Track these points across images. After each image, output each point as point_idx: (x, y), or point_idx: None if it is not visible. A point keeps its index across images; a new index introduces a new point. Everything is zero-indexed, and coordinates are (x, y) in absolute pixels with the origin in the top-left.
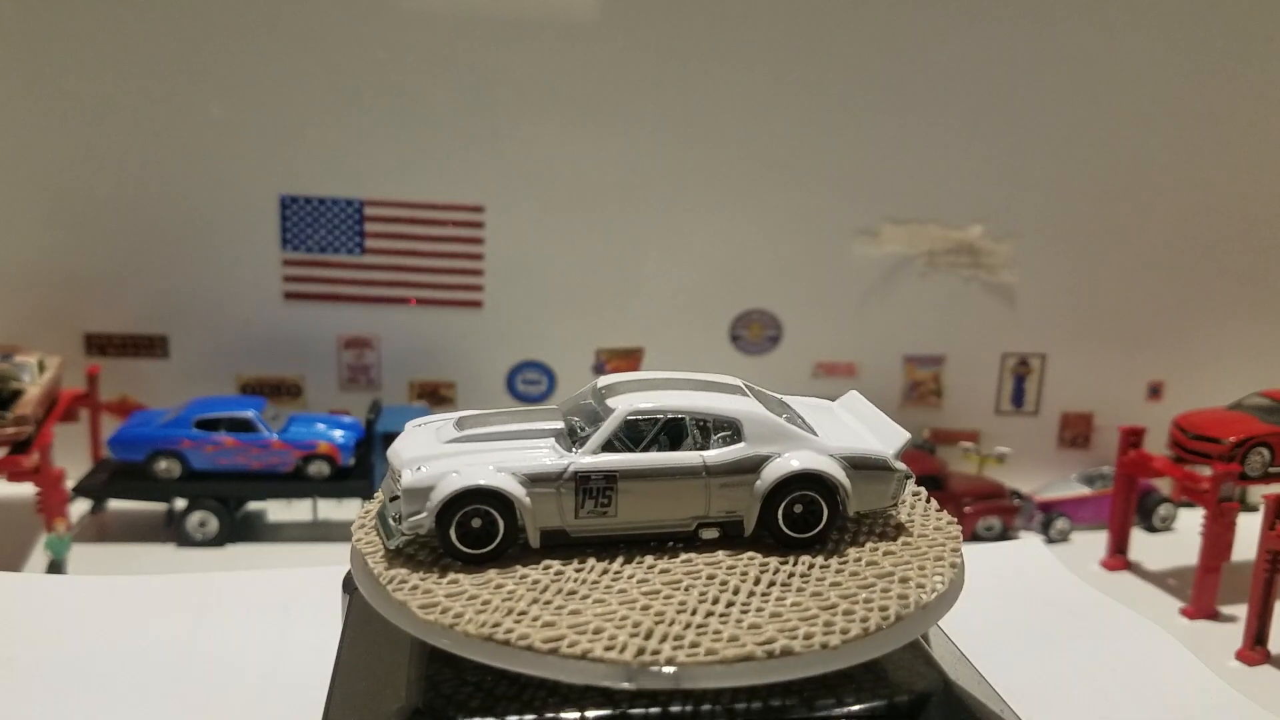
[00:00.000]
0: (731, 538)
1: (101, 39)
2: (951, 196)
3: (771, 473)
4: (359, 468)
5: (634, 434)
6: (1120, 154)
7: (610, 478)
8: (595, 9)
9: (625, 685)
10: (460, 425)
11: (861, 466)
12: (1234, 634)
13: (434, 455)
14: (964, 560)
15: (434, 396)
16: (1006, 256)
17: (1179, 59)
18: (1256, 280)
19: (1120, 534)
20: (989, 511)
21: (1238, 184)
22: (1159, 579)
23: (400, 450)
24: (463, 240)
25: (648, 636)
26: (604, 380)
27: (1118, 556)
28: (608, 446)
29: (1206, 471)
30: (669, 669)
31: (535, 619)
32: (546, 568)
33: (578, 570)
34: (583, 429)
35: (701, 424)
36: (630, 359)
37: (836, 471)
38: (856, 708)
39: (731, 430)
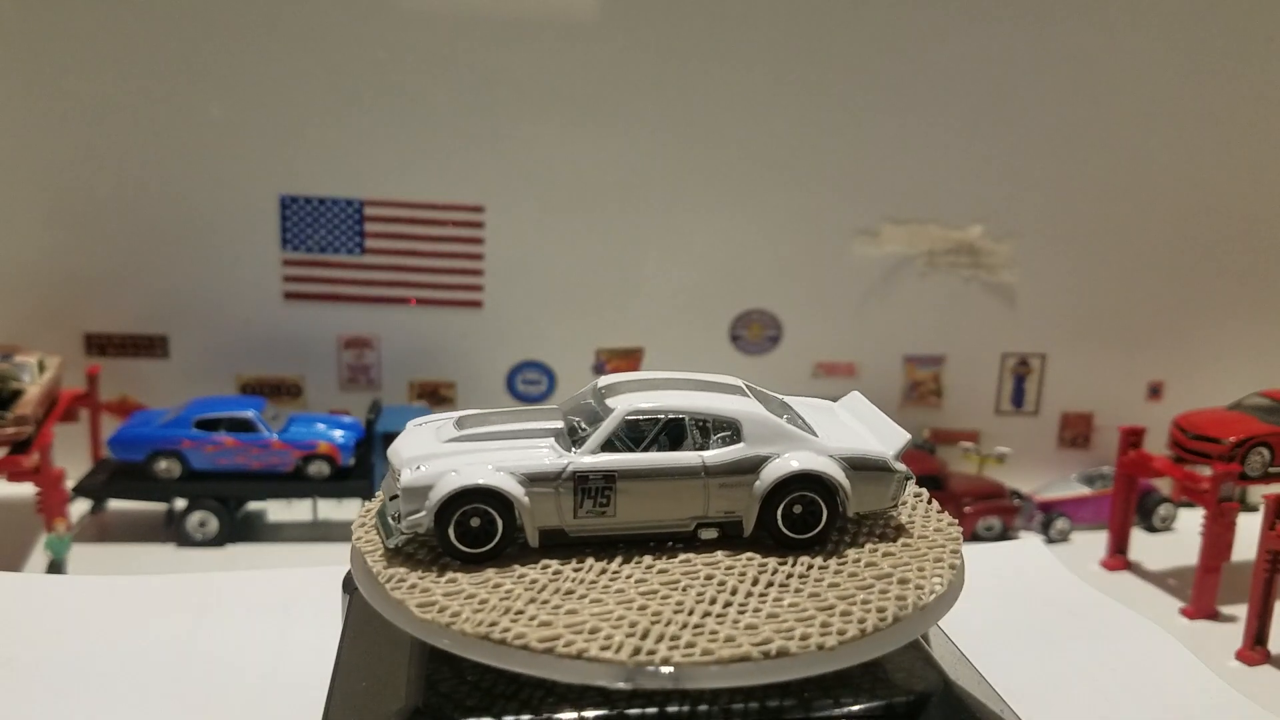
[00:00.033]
0: (731, 538)
1: (101, 39)
2: (951, 196)
3: (770, 473)
4: (359, 468)
5: (635, 434)
6: (1120, 154)
7: (609, 478)
8: (595, 9)
9: (621, 685)
10: (460, 425)
11: (861, 467)
12: (1234, 634)
13: (433, 454)
14: (964, 561)
15: (434, 396)
16: (1006, 256)
17: (1179, 59)
18: (1256, 280)
19: (1120, 534)
20: (989, 511)
21: (1238, 184)
22: (1159, 579)
23: (400, 449)
24: (463, 240)
25: (644, 636)
26: (604, 380)
27: (1118, 556)
28: (607, 446)
29: (1206, 471)
30: (665, 669)
31: (532, 618)
32: (545, 567)
33: (576, 570)
34: (582, 429)
35: (701, 424)
36: (630, 359)
37: (836, 472)
38: (856, 708)
39: (731, 430)
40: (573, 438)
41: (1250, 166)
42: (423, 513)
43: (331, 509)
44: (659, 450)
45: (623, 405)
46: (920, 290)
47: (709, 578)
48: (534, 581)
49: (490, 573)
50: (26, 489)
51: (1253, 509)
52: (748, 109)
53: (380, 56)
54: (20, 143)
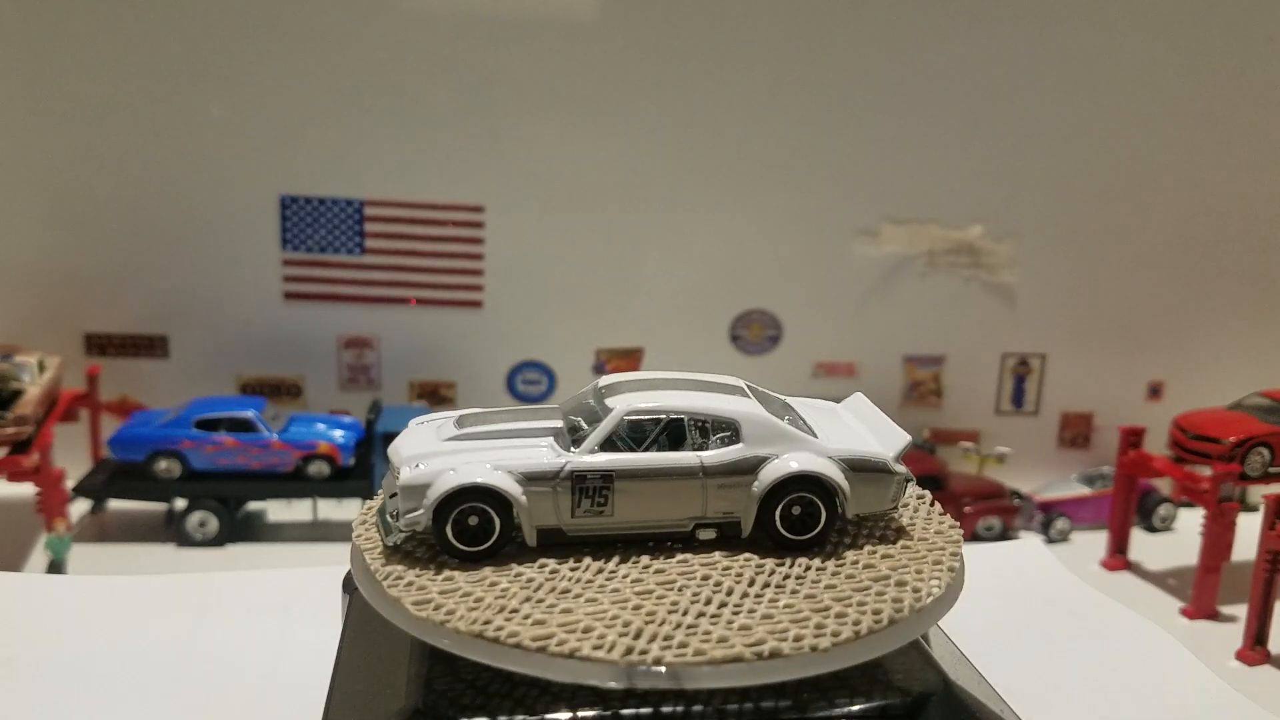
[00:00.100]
0: (729, 539)
1: (101, 39)
2: (951, 196)
3: (769, 474)
4: (359, 468)
5: (636, 434)
6: (1120, 154)
7: (607, 477)
8: (595, 9)
9: (612, 684)
10: (460, 423)
11: (860, 469)
12: (1234, 634)
13: (432, 453)
14: (964, 564)
15: (434, 396)
16: (1006, 256)
17: (1179, 59)
18: (1256, 280)
19: (1120, 534)
20: (989, 511)
21: (1238, 184)
22: (1159, 579)
23: (400, 447)
24: (463, 240)
25: (637, 636)
26: (605, 380)
27: (1118, 556)
28: (606, 446)
29: (1206, 471)
30: (657, 669)
31: (526, 617)
32: (542, 566)
33: (573, 569)
34: (582, 429)
35: (700, 424)
36: (630, 359)
37: (835, 473)
38: (856, 708)
39: (730, 431)
40: (572, 437)
41: (1250, 166)
42: (421, 511)
43: (331, 509)
44: (659, 450)
45: (621, 405)
46: (920, 290)
47: (705, 578)
48: (530, 580)
49: (487, 571)
50: (26, 489)
51: (1253, 509)
52: (748, 109)
53: (380, 56)
54: (20, 143)
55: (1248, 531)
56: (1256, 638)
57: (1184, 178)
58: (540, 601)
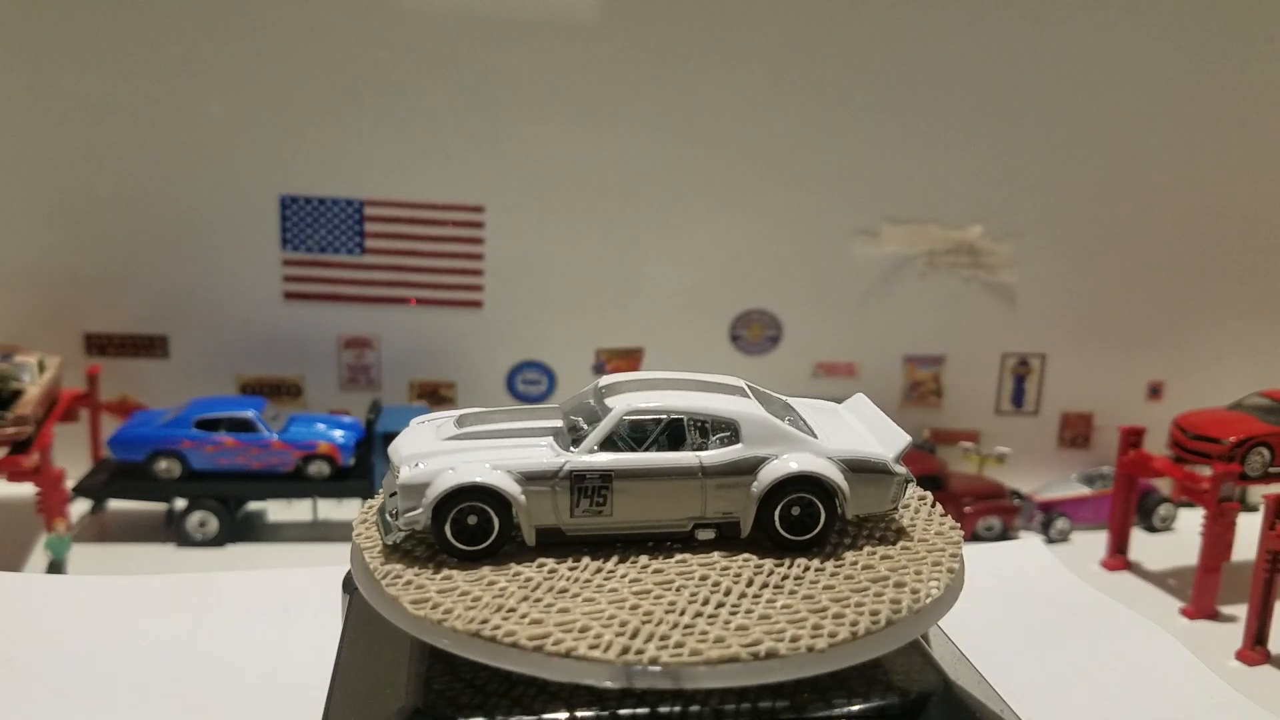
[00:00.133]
0: (728, 539)
1: (101, 39)
2: (951, 196)
3: (768, 474)
4: (359, 468)
5: (637, 434)
6: (1120, 154)
7: (606, 477)
8: (595, 9)
9: (608, 684)
10: (460, 423)
11: (860, 469)
12: (1234, 634)
13: (432, 452)
14: (964, 565)
15: (434, 396)
16: (1006, 256)
17: (1179, 59)
18: (1256, 280)
19: (1120, 534)
20: (989, 511)
21: (1238, 184)
22: (1159, 579)
23: (400, 446)
24: (463, 240)
25: (633, 636)
26: (605, 380)
27: (1118, 556)
28: (605, 446)
29: (1206, 471)
30: (653, 669)
31: (524, 616)
32: (540, 565)
33: (571, 569)
34: (582, 428)
35: (700, 425)
36: (630, 359)
37: (834, 474)
38: (857, 708)
39: (729, 431)
40: (571, 437)
41: (1250, 166)
42: (420, 510)
43: (331, 509)
44: (659, 451)
45: (621, 405)
46: (920, 290)
47: (703, 578)
48: (528, 580)
49: (486, 570)
50: (26, 489)
51: (1253, 509)
52: (748, 109)
53: (380, 56)
54: (20, 143)
55: (1248, 531)
56: (1256, 638)
57: (1184, 178)
58: (538, 601)
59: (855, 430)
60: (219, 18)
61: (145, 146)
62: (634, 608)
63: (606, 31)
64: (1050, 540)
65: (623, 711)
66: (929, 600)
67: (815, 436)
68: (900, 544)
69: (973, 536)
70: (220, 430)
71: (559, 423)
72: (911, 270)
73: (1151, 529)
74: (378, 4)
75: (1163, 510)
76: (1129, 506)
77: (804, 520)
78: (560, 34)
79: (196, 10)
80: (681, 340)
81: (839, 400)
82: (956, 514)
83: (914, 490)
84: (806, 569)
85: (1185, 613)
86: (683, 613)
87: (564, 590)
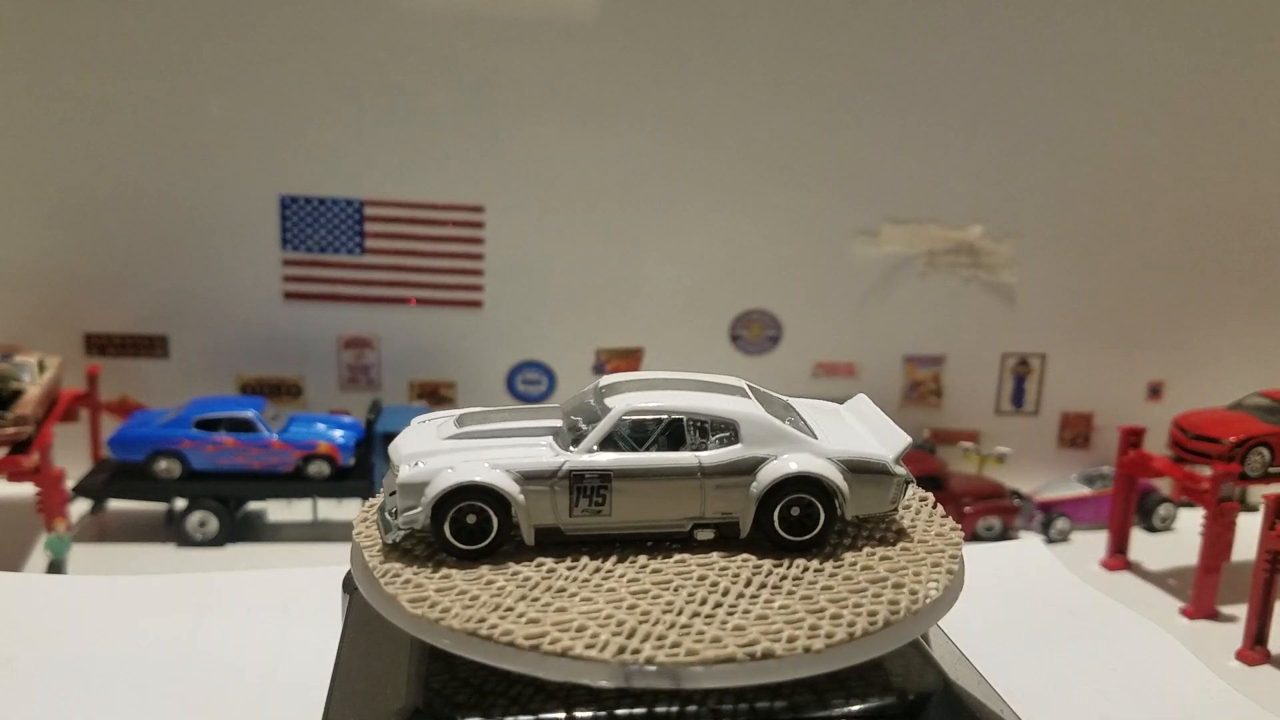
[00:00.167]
0: (728, 539)
1: (101, 39)
2: (951, 196)
3: (767, 475)
4: (359, 468)
5: (638, 434)
6: (1120, 154)
7: (605, 477)
8: (595, 9)
9: (604, 683)
10: (460, 422)
11: (859, 470)
12: (1234, 634)
13: (431, 451)
14: (963, 566)
15: (434, 396)
16: (1006, 256)
17: (1179, 59)
18: (1256, 280)
19: (1120, 534)
20: (989, 511)
21: (1238, 184)
22: (1159, 579)
23: (400, 445)
24: (463, 240)
25: (630, 635)
26: (606, 379)
27: (1118, 556)
28: (605, 445)
29: (1206, 471)
30: (649, 668)
31: (521, 615)
32: (539, 565)
33: (570, 568)
34: (582, 428)
35: (699, 425)
36: (630, 359)
37: (833, 475)
38: (857, 708)
39: (729, 431)
40: (571, 437)
41: (1250, 166)
42: (419, 509)
43: (331, 509)
44: (659, 450)
45: (620, 405)
46: (920, 290)
47: (701, 578)
48: (527, 579)
49: (485, 569)
50: (26, 489)
51: (1253, 509)
52: (748, 109)
53: (380, 56)
54: (20, 143)
55: (1248, 531)
56: (1256, 638)
57: (1184, 178)
58: (535, 600)
59: (856, 431)
60: (219, 18)
61: (145, 146)
62: (631, 607)
63: (606, 31)
64: (1050, 540)
65: (620, 711)
66: (927, 602)
67: (815, 437)
68: (900, 545)
69: (973, 536)
70: (220, 430)
71: (559, 422)
72: (911, 270)
73: (1151, 529)
74: (378, 4)
75: (1163, 510)
76: (1129, 506)
77: (803, 521)
78: (560, 34)
79: (196, 10)
80: (681, 340)
81: (840, 400)
82: (956, 514)
83: (914, 491)
84: (805, 570)
85: (1185, 613)
86: (680, 613)
87: (562, 590)
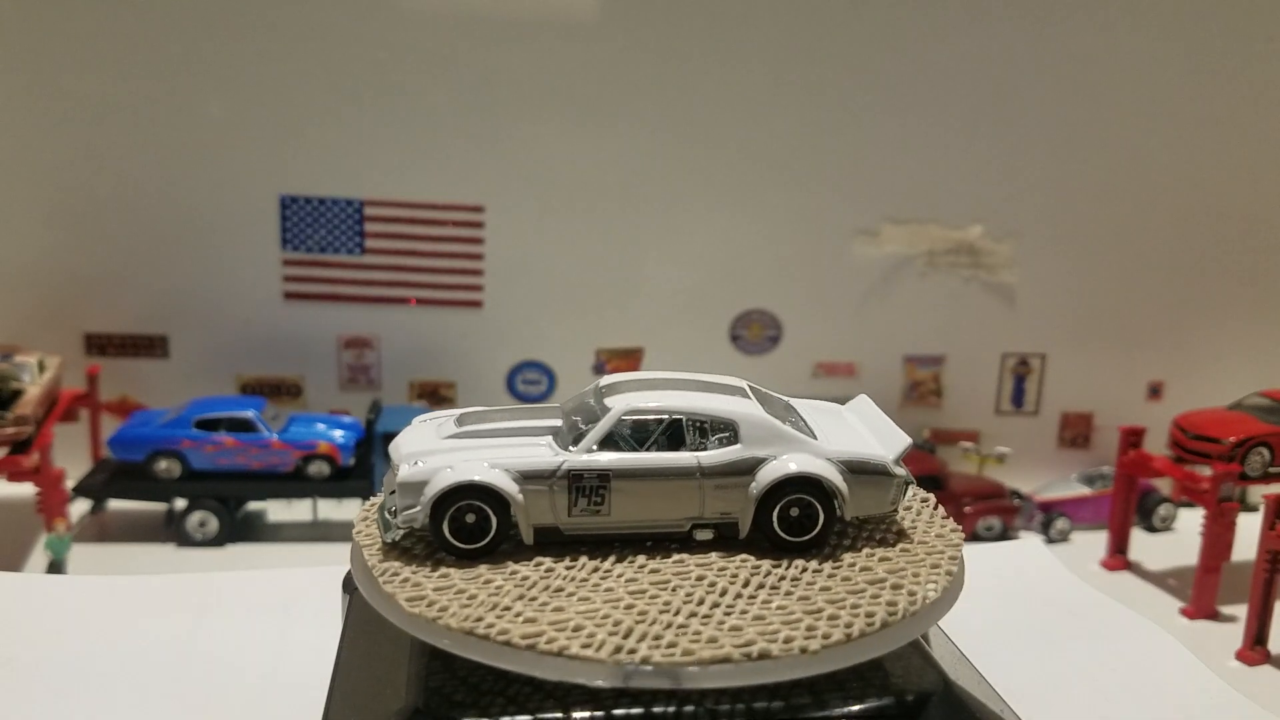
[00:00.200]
0: (727, 540)
1: (101, 39)
2: (951, 196)
3: (766, 475)
4: (359, 468)
5: (638, 434)
6: (1120, 154)
7: (604, 477)
8: (595, 9)
9: (599, 683)
10: (461, 422)
11: (859, 471)
12: (1234, 634)
13: (431, 450)
14: (963, 567)
15: (434, 396)
16: (1006, 256)
17: (1179, 59)
18: (1256, 280)
19: (1120, 534)
20: (989, 511)
21: (1238, 184)
22: (1159, 579)
23: (400, 445)
24: (463, 240)
25: (627, 635)
26: (606, 379)
27: (1118, 556)
28: (604, 445)
29: (1206, 471)
30: (645, 668)
31: (518, 615)
32: (538, 564)
33: (568, 568)
34: (581, 428)
35: (699, 425)
36: (630, 359)
37: (833, 475)
38: (857, 707)
39: (728, 431)
40: (571, 436)
41: (1250, 166)
42: (418, 508)
43: (331, 509)
44: (658, 450)
45: (619, 405)
46: (920, 290)
47: (700, 578)
48: (525, 578)
49: (483, 569)
50: (26, 489)
51: (1253, 509)
52: (748, 109)
53: (380, 56)
54: (20, 143)
55: (1248, 531)
56: (1256, 638)
57: (1184, 178)
58: (533, 599)
59: (856, 431)
60: (219, 18)
61: (145, 146)
62: (629, 607)
63: (606, 31)
64: (1050, 540)
65: (617, 711)
66: (925, 603)
67: (815, 437)
68: (899, 546)
69: (973, 536)
70: (220, 430)
71: (559, 422)
72: (911, 270)
73: (1151, 529)
74: (378, 4)
75: (1163, 510)
76: (1129, 506)
77: (802, 521)
78: (560, 34)
79: (196, 10)
80: (681, 340)
81: (840, 401)
82: (956, 514)
83: (914, 492)
84: (804, 570)
85: (1185, 613)
86: (677, 613)
87: (560, 589)
